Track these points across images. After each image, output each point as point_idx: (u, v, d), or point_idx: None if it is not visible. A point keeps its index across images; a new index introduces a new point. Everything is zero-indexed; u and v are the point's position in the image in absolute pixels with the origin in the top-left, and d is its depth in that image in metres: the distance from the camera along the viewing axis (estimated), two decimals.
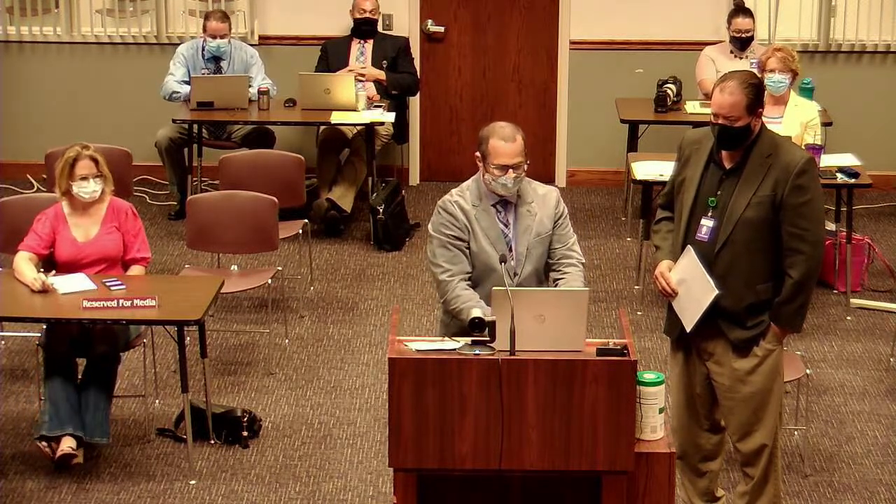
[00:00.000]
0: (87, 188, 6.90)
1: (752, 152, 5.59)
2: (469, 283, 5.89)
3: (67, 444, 6.61)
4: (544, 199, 6.00)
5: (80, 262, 6.91)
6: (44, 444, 6.64)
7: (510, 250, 5.91)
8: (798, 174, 5.54)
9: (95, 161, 6.89)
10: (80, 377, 6.79)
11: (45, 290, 6.69)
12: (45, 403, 6.69)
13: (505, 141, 5.83)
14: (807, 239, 5.56)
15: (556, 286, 5.93)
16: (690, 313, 5.67)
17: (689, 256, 5.63)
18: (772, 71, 8.29)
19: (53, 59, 10.88)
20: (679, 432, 5.90)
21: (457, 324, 5.77)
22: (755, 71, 7.92)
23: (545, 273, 6.01)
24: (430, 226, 6.04)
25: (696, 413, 5.89)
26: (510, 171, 5.83)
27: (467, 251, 5.91)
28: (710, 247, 5.61)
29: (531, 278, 5.94)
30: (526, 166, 5.88)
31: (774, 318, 5.65)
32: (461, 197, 5.95)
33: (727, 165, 5.63)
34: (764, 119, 5.68)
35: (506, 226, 5.93)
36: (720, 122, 5.54)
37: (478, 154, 5.90)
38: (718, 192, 5.62)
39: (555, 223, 5.98)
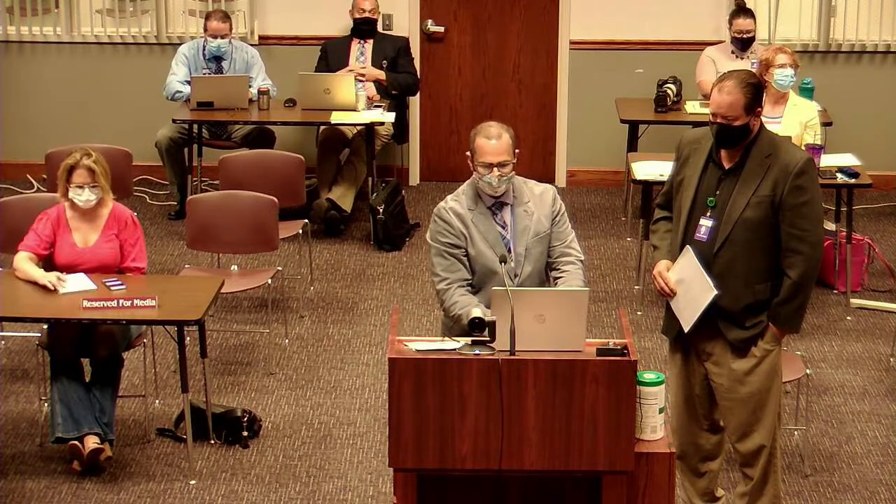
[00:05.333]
0: (82, 196, 6.88)
1: (752, 152, 5.59)
2: (469, 289, 5.87)
3: (93, 441, 6.64)
4: (541, 198, 5.97)
5: (78, 268, 6.90)
6: (76, 443, 6.65)
7: (509, 251, 5.89)
8: (797, 174, 5.53)
9: (92, 171, 6.86)
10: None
11: (56, 289, 6.69)
12: (56, 405, 6.68)
13: (489, 139, 5.81)
14: (806, 239, 5.56)
15: (555, 285, 5.92)
16: (689, 313, 5.67)
17: (688, 256, 5.63)
18: (783, 66, 8.30)
19: (53, 59, 10.88)
20: (678, 432, 5.89)
21: (459, 327, 5.72)
22: (755, 71, 7.94)
23: (545, 272, 6.01)
24: (427, 234, 6.02)
25: (695, 413, 5.89)
26: (495, 169, 5.81)
27: (465, 258, 5.89)
28: (708, 247, 5.61)
29: (532, 278, 5.92)
30: (514, 164, 5.84)
31: (773, 319, 5.64)
32: (456, 202, 5.92)
33: (726, 165, 5.63)
34: (764, 119, 5.69)
35: (503, 227, 5.91)
36: (719, 121, 5.54)
37: (468, 154, 5.90)
38: (717, 192, 5.62)
39: (553, 221, 5.96)
